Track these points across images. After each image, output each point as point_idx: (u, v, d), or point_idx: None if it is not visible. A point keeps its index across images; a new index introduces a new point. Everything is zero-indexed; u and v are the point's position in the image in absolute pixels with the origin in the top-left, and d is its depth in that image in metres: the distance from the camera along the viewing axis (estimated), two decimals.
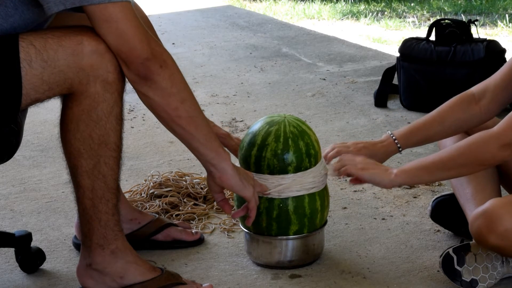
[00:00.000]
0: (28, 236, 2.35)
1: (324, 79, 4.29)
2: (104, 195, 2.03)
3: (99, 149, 1.99)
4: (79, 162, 2.00)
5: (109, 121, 1.99)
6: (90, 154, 1.99)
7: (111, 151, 2.01)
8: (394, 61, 3.89)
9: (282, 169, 2.24)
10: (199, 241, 2.49)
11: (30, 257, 2.34)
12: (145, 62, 1.93)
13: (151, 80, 1.95)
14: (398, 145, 2.30)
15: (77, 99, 1.96)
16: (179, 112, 1.99)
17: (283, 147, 2.23)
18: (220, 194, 2.17)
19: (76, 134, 1.98)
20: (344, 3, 6.82)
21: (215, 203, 2.72)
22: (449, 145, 2.32)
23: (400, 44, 3.82)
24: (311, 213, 2.27)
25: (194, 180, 2.85)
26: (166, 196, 2.76)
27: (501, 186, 2.32)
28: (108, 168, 2.01)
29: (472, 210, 2.20)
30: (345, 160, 2.20)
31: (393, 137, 2.31)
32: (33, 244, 2.38)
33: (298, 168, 2.25)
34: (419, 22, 6.05)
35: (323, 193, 2.31)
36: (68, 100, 1.98)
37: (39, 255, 2.37)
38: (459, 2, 6.73)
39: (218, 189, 2.15)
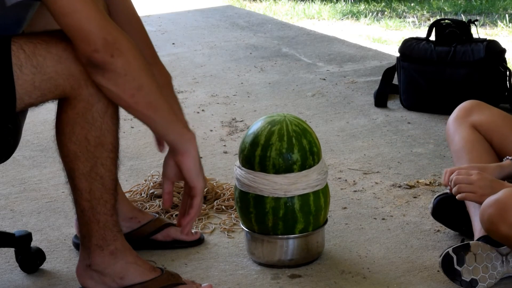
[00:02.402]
0: (28, 236, 2.35)
1: (324, 79, 4.28)
2: (102, 197, 2.02)
3: (96, 151, 1.98)
4: (76, 165, 1.99)
5: (104, 121, 1.98)
6: (86, 156, 1.98)
7: (108, 152, 2.00)
8: (394, 61, 3.88)
9: (287, 168, 2.24)
10: (199, 241, 2.48)
11: (30, 257, 2.34)
12: (93, 54, 1.87)
13: (103, 70, 1.89)
14: None
15: (71, 103, 1.95)
16: (136, 99, 1.92)
17: (287, 146, 2.24)
18: (170, 185, 2.04)
19: (72, 137, 1.97)
20: (344, 3, 6.82)
21: (215, 202, 2.72)
22: (458, 141, 2.32)
23: (400, 44, 3.82)
24: (316, 210, 2.28)
25: None
26: None
27: None
28: (105, 169, 2.01)
29: (477, 207, 2.20)
30: (460, 182, 2.15)
31: (510, 158, 2.25)
32: (33, 244, 2.38)
33: (303, 166, 2.25)
34: (419, 22, 6.05)
35: (326, 190, 2.32)
36: (62, 103, 1.97)
37: (39, 255, 2.37)
38: (459, 2, 6.72)
39: (173, 173, 2.03)
